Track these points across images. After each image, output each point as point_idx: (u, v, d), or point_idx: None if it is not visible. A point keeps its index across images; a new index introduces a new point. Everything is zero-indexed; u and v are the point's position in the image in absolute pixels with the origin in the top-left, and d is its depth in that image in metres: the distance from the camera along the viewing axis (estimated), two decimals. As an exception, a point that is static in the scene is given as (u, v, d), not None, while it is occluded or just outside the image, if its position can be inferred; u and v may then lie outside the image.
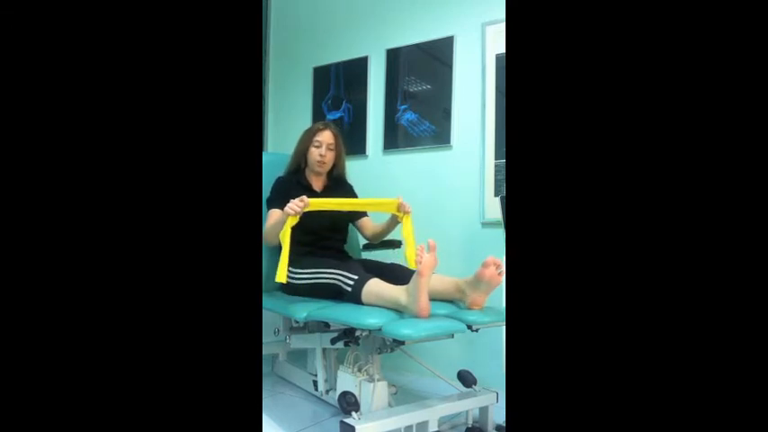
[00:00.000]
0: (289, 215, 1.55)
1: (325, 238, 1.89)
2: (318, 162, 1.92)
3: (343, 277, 1.57)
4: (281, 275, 1.56)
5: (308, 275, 1.70)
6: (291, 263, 1.78)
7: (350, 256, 1.96)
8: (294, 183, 1.90)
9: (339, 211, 1.93)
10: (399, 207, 1.72)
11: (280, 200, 1.79)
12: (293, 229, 1.85)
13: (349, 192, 2.03)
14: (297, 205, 1.54)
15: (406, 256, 1.73)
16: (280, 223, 1.61)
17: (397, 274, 1.59)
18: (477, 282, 1.45)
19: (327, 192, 1.95)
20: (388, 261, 1.80)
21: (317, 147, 1.92)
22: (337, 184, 1.99)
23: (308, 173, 1.97)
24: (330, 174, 2.00)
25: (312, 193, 1.90)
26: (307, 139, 1.94)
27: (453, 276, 1.59)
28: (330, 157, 1.94)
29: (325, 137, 1.92)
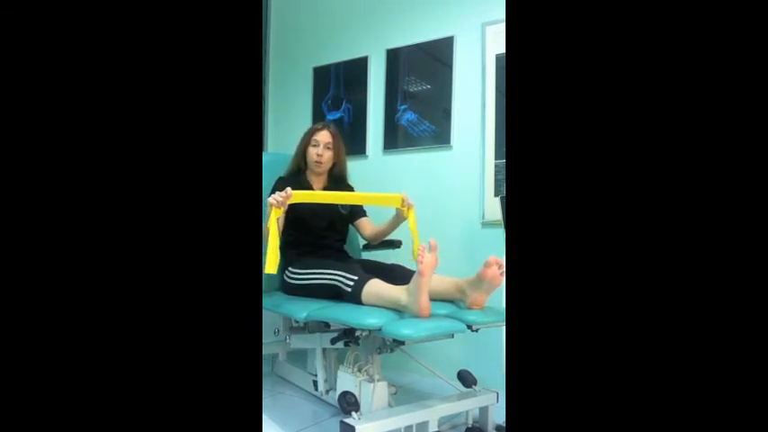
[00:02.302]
0: (272, 206, 1.54)
1: (323, 238, 1.89)
2: (316, 162, 1.92)
3: (342, 278, 1.57)
4: (271, 266, 1.50)
5: (307, 275, 1.70)
6: (291, 263, 1.79)
7: (350, 257, 1.96)
8: (294, 183, 1.90)
9: (338, 212, 1.93)
10: (404, 202, 1.73)
11: None
12: (293, 228, 1.85)
13: (355, 212, 2.01)
14: (280, 196, 1.54)
15: (412, 251, 1.72)
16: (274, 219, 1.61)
17: (398, 275, 1.59)
18: (479, 281, 1.45)
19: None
20: (389, 261, 1.80)
21: (315, 146, 1.92)
22: (338, 185, 1.99)
23: (308, 173, 1.98)
24: (330, 174, 1.99)
25: None
26: (305, 140, 1.95)
27: (453, 276, 1.59)
28: (328, 157, 1.94)
29: (323, 136, 1.93)
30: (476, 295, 1.47)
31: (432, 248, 1.40)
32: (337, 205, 1.93)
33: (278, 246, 1.54)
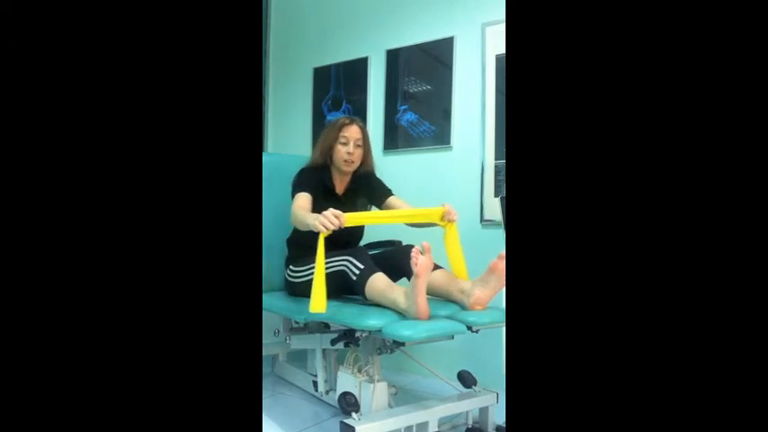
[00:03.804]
0: (320, 231, 1.39)
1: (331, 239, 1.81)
2: (346, 161, 1.77)
3: (349, 263, 1.53)
4: (317, 304, 1.37)
5: (313, 269, 1.61)
6: (294, 262, 1.76)
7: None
8: (318, 181, 1.76)
9: (355, 200, 1.82)
10: (444, 216, 1.59)
11: (309, 185, 1.69)
12: (300, 231, 1.70)
13: (377, 189, 1.86)
14: (330, 222, 1.38)
15: (452, 269, 1.60)
16: (307, 216, 1.49)
17: (403, 259, 1.53)
18: (490, 274, 1.44)
19: (349, 195, 1.85)
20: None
21: (344, 144, 1.76)
22: (361, 184, 1.86)
23: (333, 171, 1.83)
24: (355, 172, 1.84)
25: (333, 197, 1.80)
26: (332, 136, 1.78)
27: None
28: (358, 155, 1.79)
29: (353, 132, 1.77)
30: (480, 292, 1.46)
31: (425, 250, 1.39)
32: (355, 206, 1.82)
33: (324, 279, 1.39)
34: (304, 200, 1.66)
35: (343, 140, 1.77)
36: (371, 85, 2.51)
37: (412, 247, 1.61)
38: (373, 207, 1.90)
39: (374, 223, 1.61)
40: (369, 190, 1.86)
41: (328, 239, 1.66)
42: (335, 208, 1.63)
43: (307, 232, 1.63)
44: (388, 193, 1.86)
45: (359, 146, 1.79)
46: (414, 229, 1.80)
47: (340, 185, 1.85)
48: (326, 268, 1.57)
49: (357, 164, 1.81)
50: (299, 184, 1.72)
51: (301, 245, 1.79)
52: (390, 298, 1.44)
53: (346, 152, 1.76)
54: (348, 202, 1.82)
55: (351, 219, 1.44)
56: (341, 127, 1.78)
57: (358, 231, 1.88)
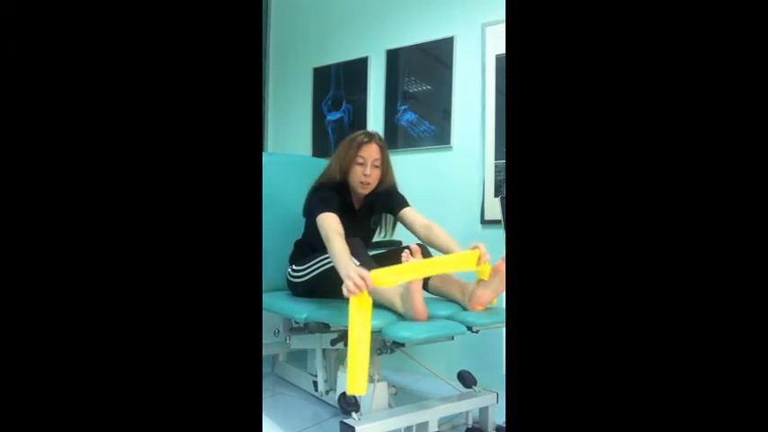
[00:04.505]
0: (348, 297, 1.25)
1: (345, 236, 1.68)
2: (362, 183, 1.66)
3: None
4: (355, 385, 1.22)
5: (313, 266, 1.63)
6: (296, 261, 1.76)
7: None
8: (337, 202, 1.63)
9: (367, 228, 1.78)
10: (480, 260, 1.45)
11: (333, 204, 1.58)
12: (311, 235, 1.63)
13: (393, 201, 1.76)
14: (357, 285, 1.24)
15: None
16: (341, 261, 1.38)
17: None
18: (493, 275, 1.44)
19: (365, 210, 1.79)
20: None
21: (361, 164, 1.65)
22: (379, 199, 1.77)
23: (350, 188, 1.74)
24: (373, 191, 1.74)
25: (350, 212, 1.73)
26: (349, 155, 1.66)
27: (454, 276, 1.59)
28: (375, 177, 1.67)
29: (371, 152, 1.65)
30: (481, 293, 1.46)
31: (414, 253, 1.39)
32: (369, 222, 1.78)
33: (365, 358, 1.22)
34: (335, 221, 1.54)
35: (360, 161, 1.66)
36: (371, 85, 2.51)
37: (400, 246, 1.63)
38: (390, 204, 1.81)
39: (404, 281, 1.39)
40: (386, 204, 1.80)
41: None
42: (351, 223, 1.58)
43: (318, 237, 1.56)
44: (404, 204, 1.77)
45: (376, 166, 1.67)
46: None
47: (357, 201, 1.78)
48: (325, 264, 1.59)
49: (373, 185, 1.70)
50: (325, 203, 1.59)
51: (308, 246, 1.76)
52: (387, 298, 1.43)
53: (363, 174, 1.65)
54: (364, 217, 1.79)
55: (377, 278, 1.29)
56: (359, 146, 1.66)
57: (367, 232, 1.83)
